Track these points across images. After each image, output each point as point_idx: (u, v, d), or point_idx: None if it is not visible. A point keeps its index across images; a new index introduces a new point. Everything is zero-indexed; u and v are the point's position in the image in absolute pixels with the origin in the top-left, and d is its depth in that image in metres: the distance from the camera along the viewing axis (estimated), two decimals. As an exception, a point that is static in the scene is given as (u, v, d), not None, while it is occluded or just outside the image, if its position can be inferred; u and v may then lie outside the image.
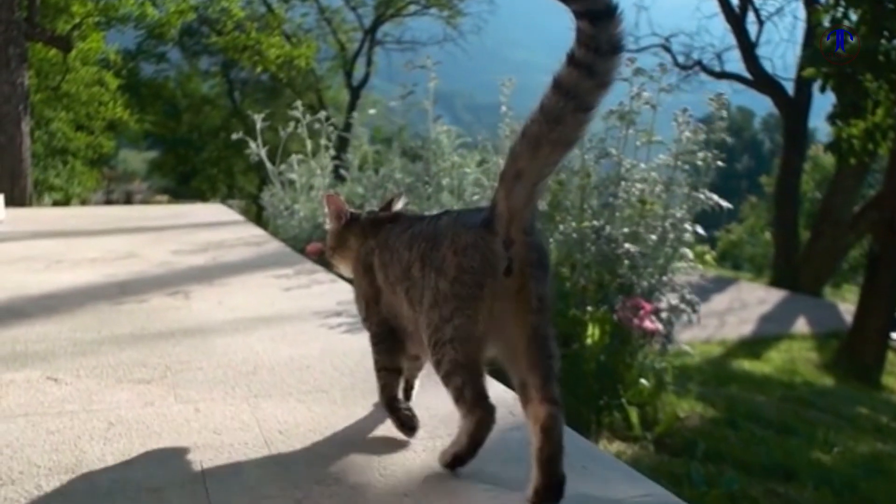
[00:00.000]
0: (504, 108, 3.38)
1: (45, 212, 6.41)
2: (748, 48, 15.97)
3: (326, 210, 1.41)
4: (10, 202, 9.97)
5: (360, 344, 1.80)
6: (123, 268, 2.96)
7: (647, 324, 2.37)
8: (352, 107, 22.99)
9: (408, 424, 1.24)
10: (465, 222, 1.05)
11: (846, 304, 12.93)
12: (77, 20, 14.13)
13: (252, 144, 4.01)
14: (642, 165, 2.96)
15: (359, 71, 24.44)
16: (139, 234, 3.90)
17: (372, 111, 4.17)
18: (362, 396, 1.47)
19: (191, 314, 2.16)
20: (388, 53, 25.50)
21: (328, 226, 1.41)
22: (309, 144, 4.06)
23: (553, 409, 0.97)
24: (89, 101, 15.56)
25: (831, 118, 9.85)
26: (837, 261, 15.60)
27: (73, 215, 5.73)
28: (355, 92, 24.15)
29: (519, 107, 3.05)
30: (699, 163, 2.94)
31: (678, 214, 2.73)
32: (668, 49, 18.86)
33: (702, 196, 2.90)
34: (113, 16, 15.03)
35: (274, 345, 1.84)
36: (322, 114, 3.97)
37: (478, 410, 1.04)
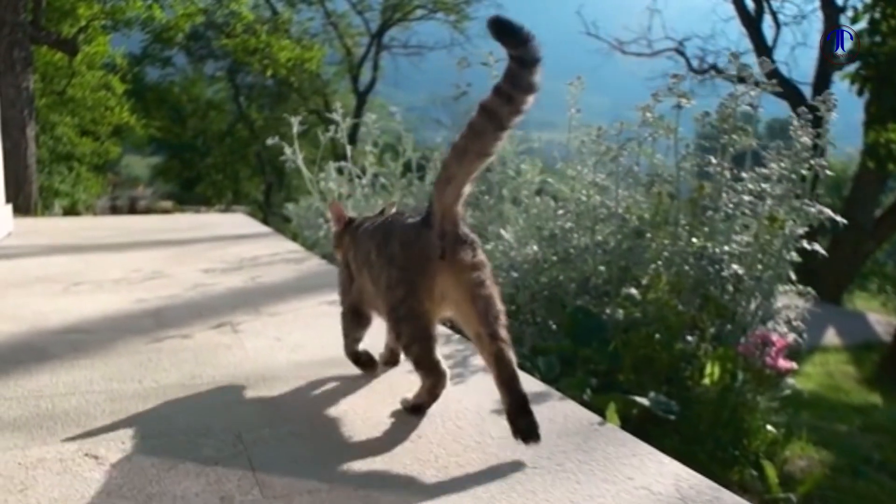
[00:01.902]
0: (573, 111, 3.03)
1: (56, 223, 6.06)
2: (764, 52, 15.64)
3: (330, 215, 1.72)
4: (15, 209, 9.64)
5: (476, 402, 1.44)
6: (153, 291, 2.60)
7: (782, 362, 2.00)
8: (358, 112, 22.68)
9: (368, 364, 1.63)
10: (410, 222, 1.32)
11: (876, 315, 12.56)
12: (83, 23, 13.80)
13: (287, 150, 3.65)
14: (744, 175, 2.60)
15: (364, 76, 24.18)
16: (161, 249, 3.54)
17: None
18: (521, 492, 1.11)
19: (247, 356, 1.80)
20: (394, 58, 25.26)
21: (334, 226, 1.69)
22: (350, 150, 3.69)
23: (502, 343, 1.22)
24: (95, 106, 15.24)
25: (869, 123, 9.48)
26: (858, 268, 15.24)
27: (86, 226, 5.37)
28: (361, 97, 23.84)
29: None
30: (804, 172, 2.58)
31: (798, 231, 2.37)
32: (682, 53, 18.56)
33: (813, 209, 2.53)
34: (120, 18, 14.70)
35: (366, 403, 1.47)
36: (370, 116, 3.61)
37: (433, 374, 1.33)
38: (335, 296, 2.55)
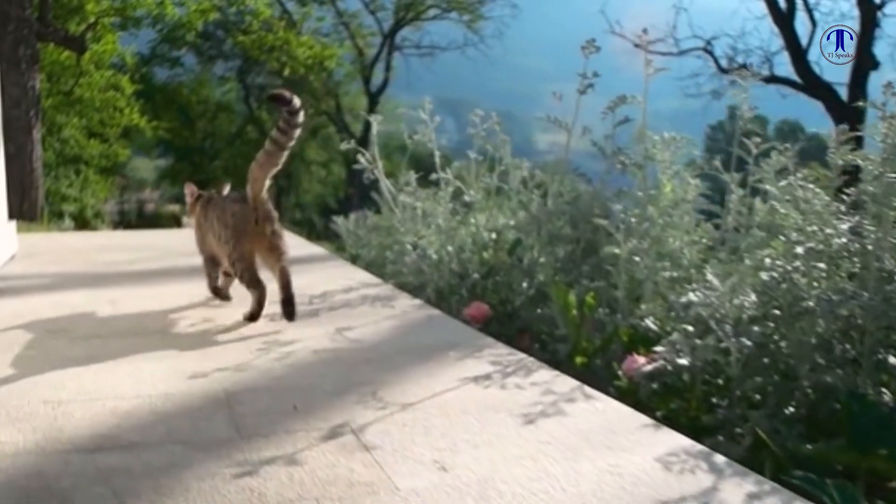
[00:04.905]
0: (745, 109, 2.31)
1: (66, 239, 5.34)
2: (798, 51, 14.86)
3: (186, 192, 2.58)
4: (21, 216, 8.93)
5: None
6: (211, 355, 1.87)
7: None
8: (370, 114, 21.96)
9: (222, 295, 2.50)
10: (237, 202, 2.22)
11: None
12: (91, 20, 13.12)
13: (361, 158, 2.91)
14: None
15: (376, 77, 23.54)
16: (199, 280, 2.79)
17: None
18: None
19: (399, 499, 1.06)
20: (406, 59, 24.63)
21: (188, 199, 2.58)
22: (438, 156, 2.94)
23: (285, 266, 2.18)
24: (103, 107, 14.57)
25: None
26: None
27: (101, 245, 4.65)
28: (373, 98, 23.18)
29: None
30: None
31: None
32: (710, 52, 17.79)
33: None
34: (130, 15, 14.01)
35: None
36: (479, 112, 2.86)
37: (259, 287, 2.18)
38: (478, 366, 1.81)
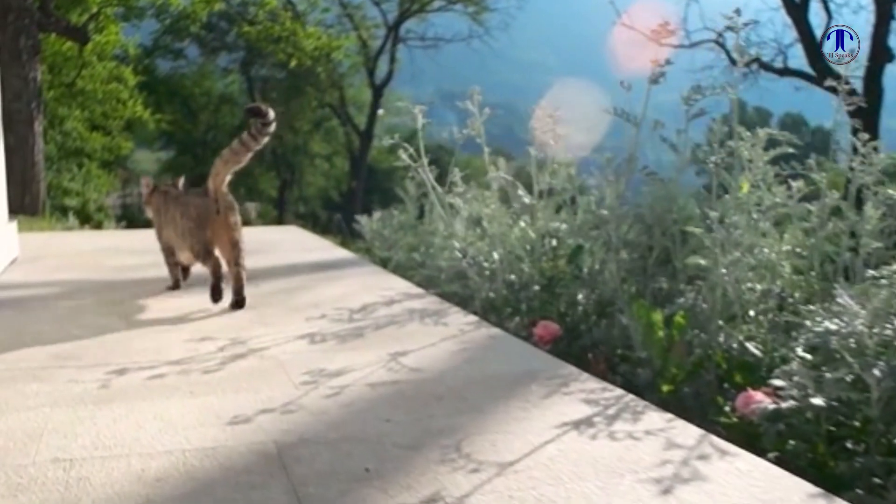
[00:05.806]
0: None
1: (70, 240, 5.05)
2: (812, 43, 14.49)
3: (143, 183, 2.76)
4: (22, 210, 8.60)
5: None
6: (249, 391, 1.58)
7: None
8: (374, 107, 21.65)
9: (177, 286, 2.70)
10: (198, 196, 2.42)
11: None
12: (94, 10, 12.80)
13: (404, 155, 2.60)
14: None
15: (380, 69, 23.21)
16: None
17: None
18: None
19: None
20: (410, 51, 24.25)
21: (144, 190, 2.74)
22: (488, 156, 2.62)
23: (239, 268, 2.37)
24: (106, 99, 14.25)
25: None
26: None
27: (107, 246, 4.35)
28: (378, 91, 22.84)
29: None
30: None
31: None
32: (721, 45, 17.44)
33: None
34: (133, 5, 13.67)
35: None
36: (543, 104, 2.55)
37: (211, 258, 2.37)
38: (572, 406, 1.51)
